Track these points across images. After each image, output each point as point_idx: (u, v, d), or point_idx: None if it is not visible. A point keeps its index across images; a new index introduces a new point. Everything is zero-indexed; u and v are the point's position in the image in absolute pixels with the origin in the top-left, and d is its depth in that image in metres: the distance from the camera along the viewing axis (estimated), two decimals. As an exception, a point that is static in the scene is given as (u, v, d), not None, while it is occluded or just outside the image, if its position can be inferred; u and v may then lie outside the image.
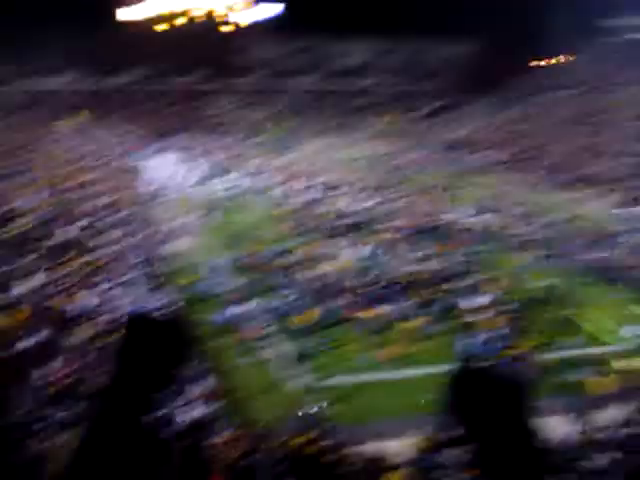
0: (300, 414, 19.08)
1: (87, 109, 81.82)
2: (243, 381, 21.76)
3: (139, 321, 3.39)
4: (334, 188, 49.25)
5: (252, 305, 27.64)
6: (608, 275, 31.86)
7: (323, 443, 15.65)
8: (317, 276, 30.40)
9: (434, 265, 31.97)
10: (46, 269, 25.18)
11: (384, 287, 29.16)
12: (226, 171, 56.22)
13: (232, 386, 21.16)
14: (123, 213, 37.15)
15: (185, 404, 17.87)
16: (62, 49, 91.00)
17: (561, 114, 72.54)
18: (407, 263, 32.20)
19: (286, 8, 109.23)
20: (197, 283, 30.38)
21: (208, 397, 18.86)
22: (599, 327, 27.11)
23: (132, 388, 3.21)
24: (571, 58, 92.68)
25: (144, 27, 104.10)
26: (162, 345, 3.31)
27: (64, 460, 3.19)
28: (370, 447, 16.33)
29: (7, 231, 28.53)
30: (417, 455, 14.88)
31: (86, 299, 23.02)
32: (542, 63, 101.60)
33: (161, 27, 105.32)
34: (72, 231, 30.11)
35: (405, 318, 26.35)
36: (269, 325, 25.68)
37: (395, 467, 14.91)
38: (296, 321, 26.32)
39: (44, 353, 18.88)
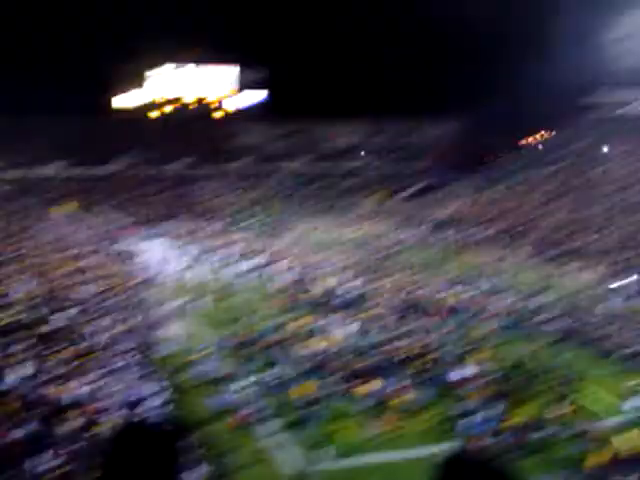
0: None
1: (76, 197, 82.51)
2: (237, 467, 21.43)
3: (131, 429, 3.36)
4: (322, 269, 49.68)
5: (246, 384, 27.71)
6: (595, 347, 32.23)
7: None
8: (309, 352, 30.82)
9: (420, 339, 32.56)
10: (36, 358, 24.96)
11: (374, 362, 29.51)
12: (215, 255, 56.51)
13: (226, 472, 20.81)
14: (113, 300, 37.10)
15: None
16: (50, 138, 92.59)
17: (546, 189, 73.74)
18: (394, 338, 32.71)
19: (272, 94, 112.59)
20: (190, 367, 30.26)
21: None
22: (594, 400, 27.04)
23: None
24: (554, 135, 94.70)
25: (136, 114, 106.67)
26: (154, 451, 3.28)
27: None
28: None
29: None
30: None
31: (77, 388, 22.76)
32: (526, 141, 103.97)
33: (153, 114, 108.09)
34: (62, 319, 29.97)
35: (397, 392, 26.46)
36: (262, 407, 25.37)
37: None
38: (290, 396, 26.38)
39: (34, 444, 18.58)
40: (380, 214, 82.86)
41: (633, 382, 27.61)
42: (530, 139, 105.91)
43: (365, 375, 28.09)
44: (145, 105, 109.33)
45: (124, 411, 22.09)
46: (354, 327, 34.83)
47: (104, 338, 29.34)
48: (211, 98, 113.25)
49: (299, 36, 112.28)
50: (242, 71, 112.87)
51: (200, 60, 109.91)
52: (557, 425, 23.95)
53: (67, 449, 18.81)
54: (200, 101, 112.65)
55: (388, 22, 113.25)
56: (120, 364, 26.70)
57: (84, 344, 27.63)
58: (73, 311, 31.60)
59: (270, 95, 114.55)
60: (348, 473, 21.00)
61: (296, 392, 26.62)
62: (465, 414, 24.99)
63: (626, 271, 46.69)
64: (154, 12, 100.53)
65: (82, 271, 43.19)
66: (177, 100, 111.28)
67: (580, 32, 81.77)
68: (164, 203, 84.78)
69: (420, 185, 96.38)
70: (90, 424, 20.41)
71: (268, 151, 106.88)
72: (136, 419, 21.74)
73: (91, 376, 24.32)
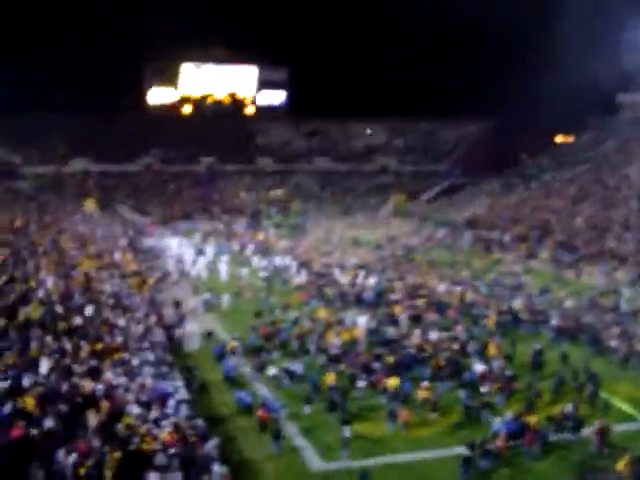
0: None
1: (100, 194, 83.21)
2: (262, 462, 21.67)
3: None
4: (341, 267, 50.06)
5: (273, 375, 28.77)
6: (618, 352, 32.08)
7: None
8: (331, 345, 31.71)
9: (438, 335, 33.37)
10: (61, 352, 25.20)
11: (395, 356, 30.09)
12: (237, 253, 56.84)
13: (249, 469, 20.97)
14: (133, 298, 37.34)
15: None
16: (76, 135, 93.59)
17: (569, 192, 73.20)
18: (413, 333, 33.55)
19: (293, 93, 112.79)
20: (216, 362, 30.65)
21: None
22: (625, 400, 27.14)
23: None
24: (579, 135, 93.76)
25: (156, 113, 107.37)
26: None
27: None
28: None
29: (14, 317, 28.61)
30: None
31: (102, 383, 22.97)
32: (552, 141, 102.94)
33: (186, 110, 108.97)
34: (80, 317, 30.19)
35: (420, 386, 26.84)
36: (283, 405, 25.58)
37: None
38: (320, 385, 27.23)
39: (49, 441, 18.78)
40: (400, 215, 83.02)
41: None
42: (557, 139, 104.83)
43: (386, 369, 28.60)
44: (164, 105, 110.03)
45: (151, 406, 22.28)
46: (373, 322, 35.65)
47: (129, 334, 29.60)
48: (232, 98, 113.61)
49: (322, 36, 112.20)
50: (262, 71, 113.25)
51: (219, 59, 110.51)
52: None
53: (91, 443, 19.02)
54: (221, 101, 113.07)
55: (416, 22, 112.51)
56: (145, 359, 26.92)
57: (109, 339, 27.85)
58: (90, 309, 31.81)
59: (292, 95, 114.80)
60: (369, 472, 21.05)
61: (323, 382, 27.40)
62: (484, 409, 25.59)
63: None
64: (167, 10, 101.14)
65: (106, 267, 43.52)
66: (197, 100, 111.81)
67: (613, 29, 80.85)
68: (186, 201, 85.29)
69: (442, 186, 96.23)
70: (115, 419, 20.60)
71: (291, 149, 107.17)
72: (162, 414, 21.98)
73: (117, 371, 24.54)
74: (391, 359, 29.48)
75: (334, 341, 32.14)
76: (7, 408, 20.15)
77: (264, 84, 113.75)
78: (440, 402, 26.26)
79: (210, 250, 56.65)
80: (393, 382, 26.98)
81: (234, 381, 28.76)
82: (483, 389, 27.19)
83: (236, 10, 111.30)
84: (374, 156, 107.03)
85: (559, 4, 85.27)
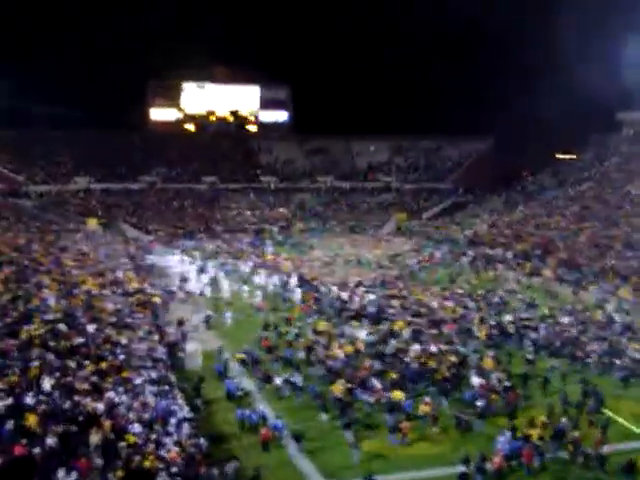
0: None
1: (102, 212, 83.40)
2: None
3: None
4: (344, 285, 50.34)
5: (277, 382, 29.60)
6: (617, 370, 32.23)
7: None
8: (331, 358, 32.52)
9: (435, 348, 34.02)
10: (62, 371, 25.22)
11: (393, 369, 30.94)
12: (240, 270, 56.90)
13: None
14: (135, 316, 37.34)
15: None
16: (78, 153, 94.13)
17: (572, 210, 73.26)
18: (410, 347, 34.12)
19: (295, 112, 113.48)
20: (217, 379, 30.74)
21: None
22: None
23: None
24: (581, 153, 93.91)
25: (159, 131, 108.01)
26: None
27: None
28: None
29: (16, 336, 28.67)
30: None
31: (103, 402, 22.97)
32: (554, 159, 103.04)
33: (189, 127, 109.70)
34: (82, 335, 30.22)
35: (421, 400, 27.42)
36: (282, 427, 25.49)
37: None
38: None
39: (51, 461, 18.75)
40: (402, 232, 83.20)
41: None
42: (559, 157, 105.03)
43: (388, 384, 29.20)
44: (168, 122, 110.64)
45: (153, 425, 22.26)
46: (372, 336, 36.47)
47: (131, 352, 29.60)
48: (234, 116, 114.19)
49: (323, 55, 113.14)
50: (263, 90, 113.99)
51: (220, 79, 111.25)
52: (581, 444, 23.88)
53: (92, 462, 19.01)
54: (223, 120, 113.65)
55: (414, 43, 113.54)
56: (147, 378, 26.91)
57: (110, 358, 27.87)
58: (93, 327, 31.86)
59: (294, 113, 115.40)
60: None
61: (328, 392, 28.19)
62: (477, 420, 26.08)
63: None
64: (168, 28, 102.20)
65: (108, 285, 43.59)
66: (200, 118, 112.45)
67: (614, 47, 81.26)
68: (189, 219, 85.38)
69: (445, 203, 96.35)
70: (117, 438, 20.59)
71: (295, 168, 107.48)
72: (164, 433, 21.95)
73: (119, 389, 24.54)
74: (393, 374, 29.98)
75: (337, 353, 32.89)
76: (10, 425, 20.19)
77: (266, 103, 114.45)
78: (440, 416, 26.65)
79: (213, 268, 56.72)
80: (398, 395, 27.44)
81: (237, 399, 28.68)
82: (479, 402, 27.42)
83: (237, 30, 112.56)
84: (376, 174, 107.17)
85: (560, 21, 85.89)
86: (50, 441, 19.60)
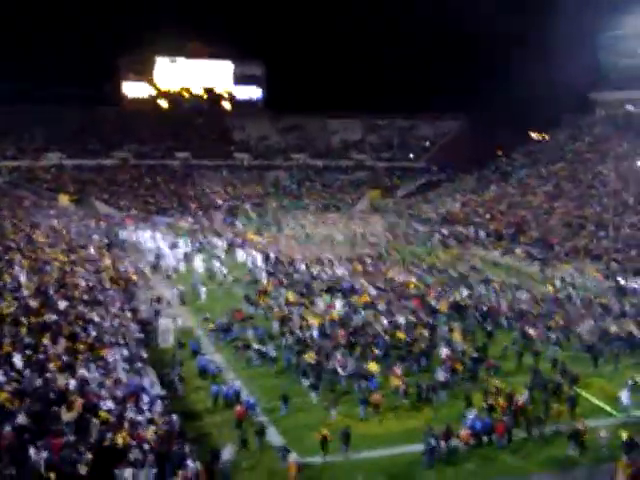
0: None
1: (75, 189, 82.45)
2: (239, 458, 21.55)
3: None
4: (317, 260, 51.12)
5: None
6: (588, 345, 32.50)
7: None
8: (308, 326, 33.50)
9: (403, 320, 35.00)
10: (33, 348, 25.01)
11: (367, 340, 31.75)
12: (212, 247, 56.74)
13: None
14: (107, 293, 37.09)
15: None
16: (50, 129, 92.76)
17: (545, 189, 73.71)
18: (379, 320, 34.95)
19: (269, 89, 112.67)
20: (190, 357, 30.68)
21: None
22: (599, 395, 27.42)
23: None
24: (554, 133, 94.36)
25: (131, 107, 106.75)
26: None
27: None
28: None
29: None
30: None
31: (75, 379, 22.81)
32: (527, 138, 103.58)
33: (162, 104, 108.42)
34: (54, 312, 29.94)
35: (391, 372, 28.03)
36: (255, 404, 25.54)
37: None
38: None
39: (20, 438, 18.59)
40: (375, 210, 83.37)
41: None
42: (533, 137, 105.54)
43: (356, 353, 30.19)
44: (141, 99, 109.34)
45: (125, 402, 22.19)
46: (346, 308, 37.66)
47: (102, 329, 29.41)
48: (209, 93, 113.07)
49: (297, 31, 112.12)
50: (237, 66, 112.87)
51: (193, 54, 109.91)
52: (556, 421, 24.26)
53: (66, 439, 18.90)
54: (195, 96, 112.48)
55: (386, 20, 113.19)
56: (119, 355, 26.79)
57: (83, 335, 27.66)
58: (64, 304, 31.58)
59: (268, 90, 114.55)
60: (339, 467, 21.35)
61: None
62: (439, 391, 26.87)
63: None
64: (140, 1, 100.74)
65: (80, 262, 43.21)
66: (174, 94, 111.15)
67: (587, 29, 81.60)
68: (161, 196, 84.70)
69: (419, 182, 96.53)
70: (90, 415, 20.48)
71: (268, 145, 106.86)
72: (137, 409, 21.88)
73: (91, 367, 24.38)
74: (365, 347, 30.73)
75: (311, 323, 33.74)
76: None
77: (240, 79, 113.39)
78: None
79: (185, 244, 56.48)
80: (373, 367, 28.01)
81: (209, 375, 28.67)
82: (441, 371, 27.92)
83: (210, 3, 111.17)
84: (350, 152, 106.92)
85: (535, 4, 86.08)
86: (21, 419, 19.42)
